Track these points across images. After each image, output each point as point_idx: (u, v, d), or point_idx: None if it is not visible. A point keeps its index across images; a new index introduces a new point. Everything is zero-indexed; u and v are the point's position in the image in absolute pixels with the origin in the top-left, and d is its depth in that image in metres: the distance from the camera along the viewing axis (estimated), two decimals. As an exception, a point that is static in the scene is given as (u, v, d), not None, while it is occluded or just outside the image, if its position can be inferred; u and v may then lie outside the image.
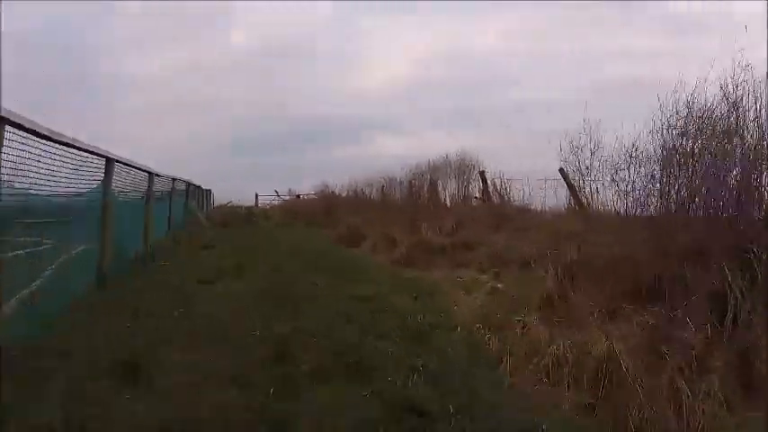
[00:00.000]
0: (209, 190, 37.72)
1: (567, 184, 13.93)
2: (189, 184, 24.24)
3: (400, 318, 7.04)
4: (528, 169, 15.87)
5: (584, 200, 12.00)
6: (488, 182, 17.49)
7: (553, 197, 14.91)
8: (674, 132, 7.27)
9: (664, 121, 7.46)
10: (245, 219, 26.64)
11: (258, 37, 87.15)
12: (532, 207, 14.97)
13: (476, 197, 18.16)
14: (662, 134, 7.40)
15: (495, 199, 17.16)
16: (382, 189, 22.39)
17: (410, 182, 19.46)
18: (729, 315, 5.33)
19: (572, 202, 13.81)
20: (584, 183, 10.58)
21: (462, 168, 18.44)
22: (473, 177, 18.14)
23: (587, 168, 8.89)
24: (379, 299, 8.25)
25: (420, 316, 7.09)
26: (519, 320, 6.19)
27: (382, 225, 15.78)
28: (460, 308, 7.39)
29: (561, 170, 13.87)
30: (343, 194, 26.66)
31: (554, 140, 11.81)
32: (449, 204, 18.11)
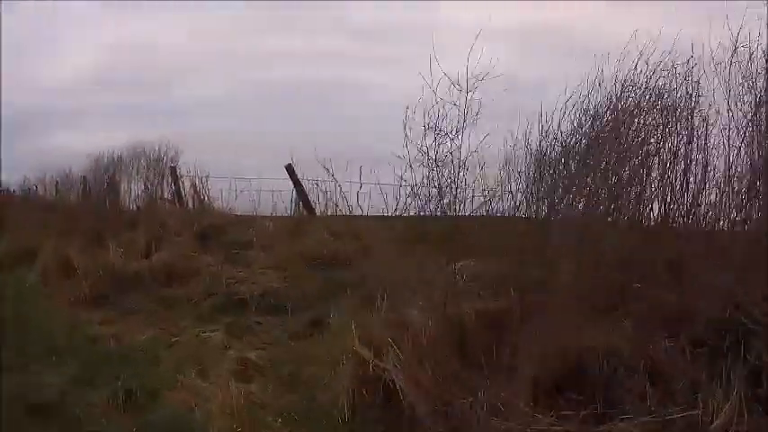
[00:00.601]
0: None
1: (294, 184, 11.66)
2: None
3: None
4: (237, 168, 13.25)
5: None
6: (181, 180, 14.38)
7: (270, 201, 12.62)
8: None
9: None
10: None
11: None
12: (252, 213, 12.33)
13: (162, 198, 14.81)
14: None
15: (191, 202, 14.10)
16: (56, 187, 17.86)
17: (87, 179, 15.36)
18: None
19: (301, 206, 11.55)
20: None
21: (155, 163, 14.75)
22: (166, 175, 14.62)
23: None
24: (63, 406, 5.12)
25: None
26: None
27: (57, 237, 11.95)
28: (215, 423, 4.61)
29: (288, 167, 11.54)
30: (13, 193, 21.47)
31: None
32: (136, 209, 14.49)
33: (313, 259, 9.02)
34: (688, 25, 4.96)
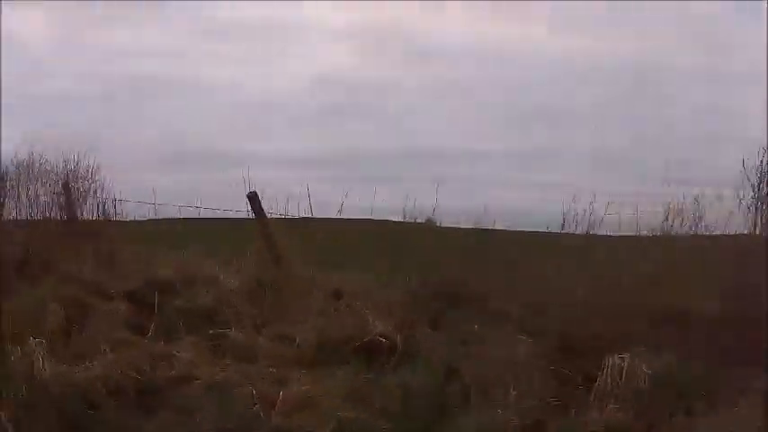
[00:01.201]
0: None
1: (256, 214, 9.08)
2: None
3: None
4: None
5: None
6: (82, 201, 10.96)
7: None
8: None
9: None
10: None
11: None
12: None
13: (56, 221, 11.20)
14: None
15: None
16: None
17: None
18: None
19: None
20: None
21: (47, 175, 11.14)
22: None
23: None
24: None
25: None
26: None
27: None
28: None
29: (252, 195, 9.03)
30: None
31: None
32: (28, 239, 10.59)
33: (350, 347, 6.61)
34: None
